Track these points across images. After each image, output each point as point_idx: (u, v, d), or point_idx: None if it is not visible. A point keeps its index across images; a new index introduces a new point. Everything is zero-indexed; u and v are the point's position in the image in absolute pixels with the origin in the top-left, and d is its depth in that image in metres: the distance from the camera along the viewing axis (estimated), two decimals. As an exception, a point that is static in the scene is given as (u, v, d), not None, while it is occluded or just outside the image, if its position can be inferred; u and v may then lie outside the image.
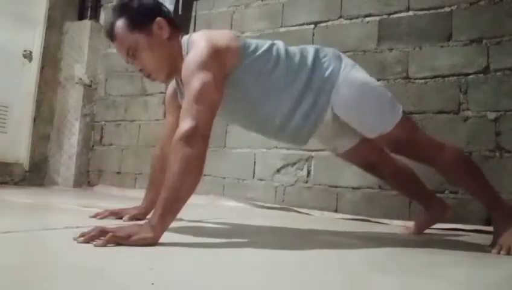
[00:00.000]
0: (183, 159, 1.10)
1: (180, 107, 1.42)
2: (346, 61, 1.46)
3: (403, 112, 1.45)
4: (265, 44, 1.40)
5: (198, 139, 1.13)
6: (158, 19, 1.36)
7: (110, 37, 1.40)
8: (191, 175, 1.12)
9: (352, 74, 1.43)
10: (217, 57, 1.26)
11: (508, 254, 1.27)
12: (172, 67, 1.38)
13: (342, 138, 1.58)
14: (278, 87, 1.38)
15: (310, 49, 1.45)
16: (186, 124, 1.14)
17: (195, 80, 1.20)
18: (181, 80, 1.37)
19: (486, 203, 1.49)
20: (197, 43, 1.29)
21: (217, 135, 2.94)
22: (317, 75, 1.40)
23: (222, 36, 1.34)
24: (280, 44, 1.44)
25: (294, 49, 1.45)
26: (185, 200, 1.12)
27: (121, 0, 1.42)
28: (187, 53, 1.32)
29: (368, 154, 1.63)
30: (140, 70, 1.40)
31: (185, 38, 1.38)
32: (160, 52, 1.36)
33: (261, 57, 1.37)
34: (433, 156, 1.46)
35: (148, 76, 1.41)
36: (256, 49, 1.37)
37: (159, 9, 1.41)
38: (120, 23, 1.35)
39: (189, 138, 1.12)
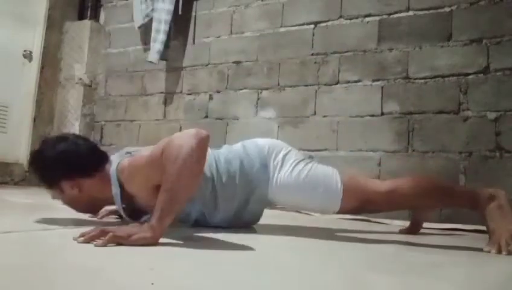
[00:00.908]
0: (181, 160, 1.09)
1: None
2: (273, 161, 1.49)
3: (343, 179, 1.47)
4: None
5: (195, 138, 1.12)
6: (62, 182, 1.36)
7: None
8: (190, 176, 1.11)
9: (281, 178, 1.47)
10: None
11: (499, 253, 1.26)
12: (101, 202, 1.43)
13: None
14: (221, 206, 1.45)
15: (237, 166, 1.46)
16: (178, 133, 1.17)
17: (144, 157, 1.24)
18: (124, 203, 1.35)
19: (467, 207, 1.49)
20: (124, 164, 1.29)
21: (217, 135, 2.94)
22: (248, 191, 1.47)
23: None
24: (209, 161, 1.42)
25: (222, 165, 1.45)
26: (183, 200, 1.13)
27: (32, 156, 1.47)
28: (117, 178, 1.29)
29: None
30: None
31: (115, 167, 1.32)
32: (78, 202, 1.40)
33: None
34: (392, 202, 1.48)
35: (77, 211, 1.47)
36: None
37: (65, 169, 1.35)
38: (38, 177, 1.41)
39: (187, 139, 1.12)
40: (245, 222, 1.53)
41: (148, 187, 1.24)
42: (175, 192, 1.09)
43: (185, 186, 1.11)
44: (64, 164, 1.36)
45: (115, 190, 1.29)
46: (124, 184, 1.29)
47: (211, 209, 1.44)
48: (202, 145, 1.13)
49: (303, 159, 1.52)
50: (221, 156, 1.49)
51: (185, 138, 1.12)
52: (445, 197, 1.48)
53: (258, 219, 1.57)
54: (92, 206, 1.45)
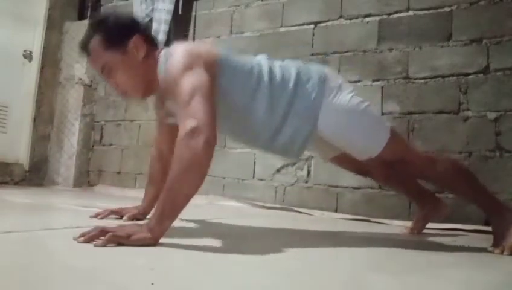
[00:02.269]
0: (184, 161, 1.07)
1: (166, 125, 1.45)
2: (332, 84, 1.41)
3: (391, 131, 1.45)
4: (247, 63, 1.36)
5: (202, 140, 1.08)
6: (134, 37, 1.32)
7: (84, 52, 1.36)
8: (192, 177, 1.09)
9: (336, 100, 1.39)
10: (198, 58, 1.22)
11: (501, 253, 1.27)
12: (149, 85, 1.35)
13: (328, 147, 1.55)
14: (259, 109, 1.34)
15: (292, 72, 1.39)
16: (187, 125, 1.10)
17: (183, 83, 1.17)
18: (161, 97, 1.36)
19: (484, 207, 1.49)
20: (174, 53, 1.25)
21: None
22: (299, 102, 1.36)
23: (200, 44, 1.34)
24: (262, 62, 1.39)
25: (276, 69, 1.39)
26: (185, 201, 1.10)
27: (97, 16, 1.39)
28: (164, 65, 1.27)
29: (358, 162, 1.58)
30: (115, 88, 1.39)
31: (162, 52, 1.33)
32: (135, 72, 1.33)
33: (242, 75, 1.33)
34: (424, 171, 1.49)
35: (123, 94, 1.39)
36: (236, 66, 1.33)
37: (137, 27, 1.37)
38: (95, 40, 1.32)
39: (190, 138, 1.08)
40: (283, 143, 1.38)
41: None
42: (177, 194, 1.08)
43: (188, 187, 1.10)
44: (136, 23, 1.39)
45: (161, 71, 1.28)
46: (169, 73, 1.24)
47: (242, 114, 1.34)
48: (210, 153, 1.11)
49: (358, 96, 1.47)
50: (276, 62, 1.42)
51: (198, 143, 1.08)
52: (472, 189, 1.47)
53: (297, 147, 1.40)
54: (142, 85, 1.36)
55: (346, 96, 1.40)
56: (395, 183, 1.79)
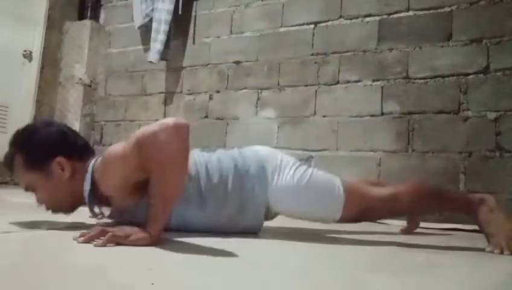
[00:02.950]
0: (168, 157, 1.07)
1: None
2: (271, 167, 1.40)
3: (345, 187, 1.40)
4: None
5: (178, 132, 1.07)
6: (58, 158, 1.25)
7: (9, 169, 1.30)
8: (178, 171, 1.10)
9: (281, 181, 1.38)
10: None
11: (501, 253, 1.27)
12: (78, 199, 1.27)
13: None
14: (211, 213, 1.33)
15: (230, 166, 1.37)
16: (160, 125, 1.08)
17: (113, 152, 1.15)
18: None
19: (461, 211, 1.50)
20: (106, 152, 1.20)
21: (217, 135, 2.94)
22: (244, 199, 1.36)
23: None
24: (197, 166, 1.34)
25: (213, 168, 1.35)
26: (176, 197, 1.12)
27: (19, 134, 1.31)
28: (92, 173, 1.21)
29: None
30: (41, 204, 1.31)
31: (91, 163, 1.25)
32: (60, 191, 1.27)
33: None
34: (392, 210, 1.48)
35: (50, 210, 1.32)
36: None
37: (61, 145, 1.28)
38: (17, 160, 1.26)
39: (168, 133, 1.06)
40: (244, 230, 1.39)
41: (122, 187, 1.18)
42: (166, 191, 1.09)
43: (175, 184, 1.10)
44: (61, 140, 1.28)
45: (86, 187, 1.22)
46: (98, 183, 1.20)
47: (196, 211, 1.32)
48: (184, 136, 1.08)
49: (301, 164, 1.45)
50: (213, 156, 1.40)
51: (165, 132, 1.05)
52: (441, 203, 1.49)
53: (258, 228, 1.44)
54: (69, 201, 1.29)
55: (288, 174, 1.39)
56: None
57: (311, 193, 1.40)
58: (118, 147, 1.16)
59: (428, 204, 1.48)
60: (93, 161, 1.25)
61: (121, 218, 1.29)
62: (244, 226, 1.39)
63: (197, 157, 1.38)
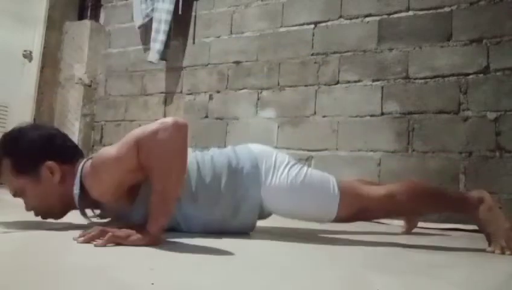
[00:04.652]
0: (168, 157, 1.07)
1: None
2: (266, 165, 1.38)
3: (340, 186, 1.39)
4: None
5: (178, 132, 1.07)
6: (47, 163, 1.21)
7: None
8: (178, 171, 1.10)
9: (275, 180, 1.36)
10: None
11: (502, 253, 1.27)
12: (68, 204, 1.24)
13: None
14: (202, 212, 1.31)
15: (223, 163, 1.35)
16: (158, 125, 1.07)
17: (105, 154, 1.12)
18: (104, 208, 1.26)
19: (458, 210, 1.50)
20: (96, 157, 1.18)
21: (217, 135, 2.94)
22: (238, 197, 1.34)
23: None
24: (189, 166, 1.29)
25: (206, 167, 1.33)
26: (176, 196, 1.12)
27: (6, 138, 1.26)
28: (80, 181, 1.18)
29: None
30: (30, 209, 1.27)
31: (80, 166, 1.22)
32: (50, 196, 1.23)
33: None
34: (388, 210, 1.45)
35: (40, 216, 1.28)
36: None
37: (50, 149, 1.25)
38: (5, 164, 1.22)
39: (168, 132, 1.06)
40: (237, 230, 1.38)
41: (113, 193, 1.15)
42: (167, 190, 1.09)
43: (175, 183, 1.10)
44: (50, 144, 1.25)
45: (76, 191, 1.18)
46: (87, 188, 1.17)
47: (188, 212, 1.29)
48: (184, 134, 1.09)
49: (296, 163, 1.43)
50: (207, 156, 1.38)
51: (166, 131, 1.06)
52: (439, 203, 1.46)
53: (251, 228, 1.42)
54: (59, 206, 1.27)
55: (282, 174, 1.37)
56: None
57: (305, 192, 1.38)
58: (109, 152, 1.12)
59: (426, 204, 1.45)
60: (82, 164, 1.22)
61: (115, 219, 1.28)
62: (236, 226, 1.37)
63: (189, 156, 1.33)
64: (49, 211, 1.28)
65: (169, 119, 1.09)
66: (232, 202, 1.34)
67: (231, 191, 1.34)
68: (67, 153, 1.28)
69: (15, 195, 1.27)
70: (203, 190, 1.31)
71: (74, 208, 1.25)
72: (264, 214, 1.46)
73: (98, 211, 1.31)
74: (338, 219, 1.41)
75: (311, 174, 1.41)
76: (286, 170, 1.38)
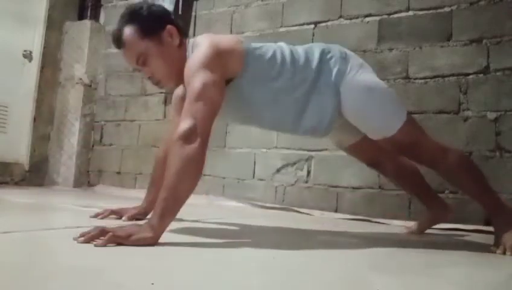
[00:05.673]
0: (182, 159, 1.10)
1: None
2: (353, 62, 1.44)
3: (408, 114, 1.45)
4: (270, 49, 1.39)
5: (197, 139, 1.12)
6: (169, 26, 1.36)
7: (117, 43, 1.37)
8: (190, 175, 1.12)
9: (358, 77, 1.41)
10: (219, 58, 1.25)
11: (503, 253, 1.27)
12: (181, 73, 1.34)
13: (346, 133, 1.58)
14: (282, 92, 1.37)
15: (316, 51, 1.43)
16: (185, 124, 1.14)
17: (196, 80, 1.20)
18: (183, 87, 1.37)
19: (486, 205, 1.48)
20: (200, 45, 1.29)
21: (217, 135, 2.94)
22: (322, 79, 1.39)
23: (226, 39, 1.35)
24: (284, 47, 1.42)
25: (299, 50, 1.43)
26: (183, 200, 1.12)
27: (130, 7, 1.40)
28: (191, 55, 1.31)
29: (372, 151, 1.64)
30: (149, 77, 1.39)
31: (189, 41, 1.39)
32: (170, 60, 1.36)
33: (266, 64, 1.36)
34: (436, 159, 1.46)
35: (157, 83, 1.40)
36: (260, 55, 1.36)
37: (169, 17, 1.42)
38: (129, 30, 1.33)
39: (187, 137, 1.12)
40: (311, 122, 1.40)
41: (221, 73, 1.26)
42: (176, 192, 1.09)
43: (186, 185, 1.11)
44: (168, 13, 1.45)
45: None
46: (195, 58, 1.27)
47: (266, 84, 1.36)
48: (204, 153, 1.15)
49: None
50: (299, 46, 1.46)
51: (194, 143, 1.12)
52: (477, 184, 1.46)
53: (325, 125, 1.41)
54: (175, 72, 1.36)
55: (367, 75, 1.44)
56: (404, 179, 1.77)
57: (381, 98, 1.44)
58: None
59: (467, 180, 1.46)
60: (191, 42, 1.38)
61: None
62: (309, 117, 1.39)
63: (283, 45, 1.43)
64: (167, 75, 1.38)
65: (198, 131, 1.15)
66: (313, 83, 1.38)
67: (316, 72, 1.39)
68: (180, 26, 1.42)
69: (137, 62, 1.35)
70: (295, 71, 1.38)
71: (183, 80, 1.33)
72: (335, 105, 1.42)
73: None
74: (391, 139, 1.42)
75: (391, 91, 1.51)
76: (370, 74, 1.46)
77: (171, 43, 1.36)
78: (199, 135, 1.13)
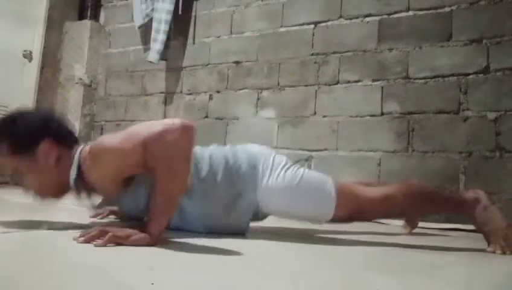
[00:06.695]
0: (175, 159, 1.08)
1: None
2: (263, 166, 1.38)
3: (337, 187, 1.39)
4: None
5: (186, 136, 1.08)
6: (43, 143, 1.22)
7: None
8: (183, 173, 1.10)
9: (272, 180, 1.36)
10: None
11: (503, 253, 1.27)
12: (64, 187, 1.26)
13: None
14: (197, 208, 1.31)
15: (220, 162, 1.35)
16: (167, 125, 1.08)
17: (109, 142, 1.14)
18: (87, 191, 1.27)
19: (454, 211, 1.51)
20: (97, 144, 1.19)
21: (217, 135, 2.94)
22: (234, 196, 1.34)
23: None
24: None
25: (204, 162, 1.34)
26: (178, 198, 1.13)
27: (3, 118, 1.29)
28: (78, 165, 1.20)
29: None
30: (27, 190, 1.30)
31: (78, 150, 1.25)
32: (47, 177, 1.25)
33: None
34: (383, 211, 1.46)
35: (37, 197, 1.31)
36: None
37: (47, 129, 1.26)
38: (3, 145, 1.23)
39: (176, 135, 1.06)
40: (230, 230, 1.36)
41: (112, 179, 1.17)
42: (170, 191, 1.09)
43: (180, 185, 1.11)
44: (46, 125, 1.26)
45: (73, 174, 1.20)
46: (84, 172, 1.19)
47: (183, 207, 1.27)
48: (191, 138, 1.10)
49: (293, 165, 1.44)
50: (206, 152, 1.38)
51: (174, 133, 1.06)
52: (435, 204, 1.46)
53: (245, 228, 1.40)
54: (55, 187, 1.28)
55: (279, 174, 1.37)
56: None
57: (302, 193, 1.38)
58: (112, 140, 1.14)
59: (422, 205, 1.45)
60: (79, 149, 1.24)
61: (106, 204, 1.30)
62: (230, 224, 1.36)
63: None
64: (46, 191, 1.30)
65: (177, 121, 1.09)
66: (226, 199, 1.34)
67: (226, 187, 1.33)
68: (63, 135, 1.29)
69: (14, 175, 1.30)
70: (198, 184, 1.30)
71: (69, 191, 1.27)
72: (260, 216, 1.45)
73: (95, 200, 1.32)
74: (335, 220, 1.41)
75: (308, 176, 1.41)
76: (283, 171, 1.38)
77: (46, 160, 1.22)
78: (178, 123, 1.07)
